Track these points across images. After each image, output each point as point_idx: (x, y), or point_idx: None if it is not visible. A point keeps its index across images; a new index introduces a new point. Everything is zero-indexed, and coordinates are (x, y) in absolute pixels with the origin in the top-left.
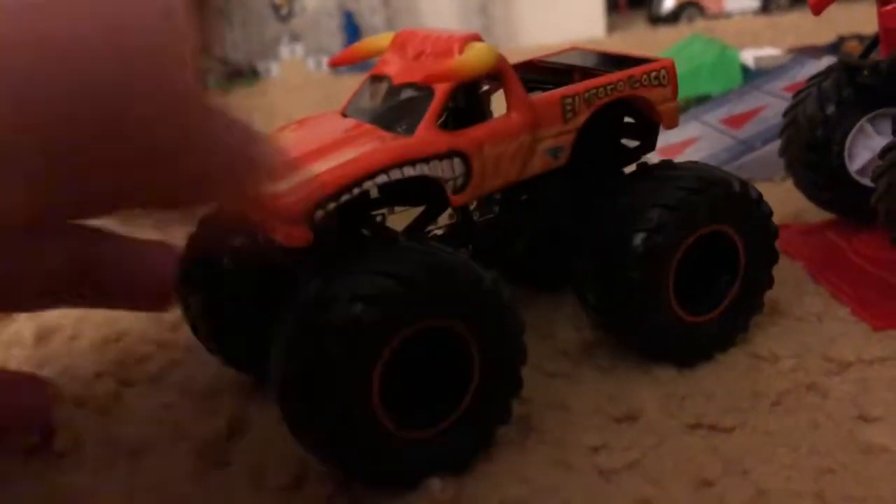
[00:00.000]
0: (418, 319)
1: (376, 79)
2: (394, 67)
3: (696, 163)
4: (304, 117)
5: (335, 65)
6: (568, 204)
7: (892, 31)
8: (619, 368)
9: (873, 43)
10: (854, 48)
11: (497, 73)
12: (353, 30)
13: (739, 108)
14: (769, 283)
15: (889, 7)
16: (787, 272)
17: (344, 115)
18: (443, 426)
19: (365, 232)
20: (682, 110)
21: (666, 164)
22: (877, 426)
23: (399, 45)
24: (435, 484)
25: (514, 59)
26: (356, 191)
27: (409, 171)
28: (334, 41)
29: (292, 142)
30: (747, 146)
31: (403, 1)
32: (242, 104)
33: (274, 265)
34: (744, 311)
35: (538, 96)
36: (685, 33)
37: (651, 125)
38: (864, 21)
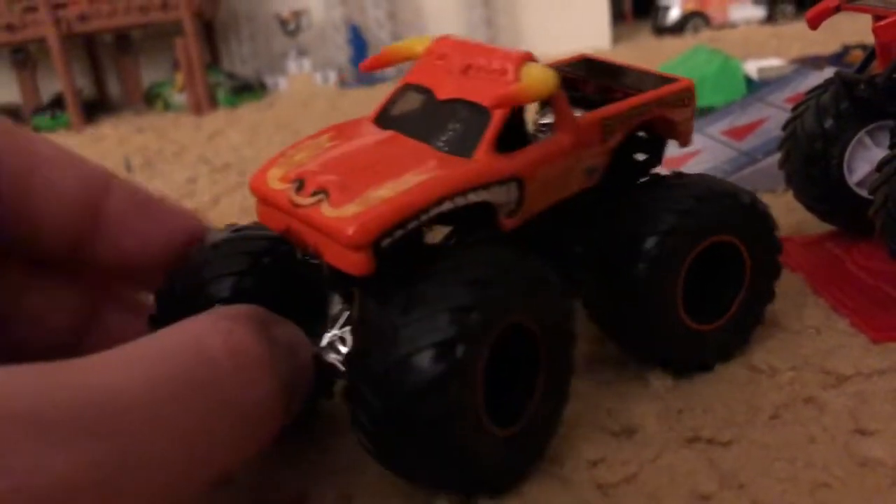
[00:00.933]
0: (511, 318)
1: (413, 88)
2: (437, 79)
3: (705, 175)
4: (337, 124)
5: (367, 70)
6: (580, 218)
7: (887, 45)
8: (618, 382)
9: (871, 56)
10: (858, 57)
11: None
12: (360, 43)
13: (742, 119)
14: (771, 296)
15: (883, 22)
16: (787, 284)
17: (376, 122)
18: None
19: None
20: None
21: (677, 175)
22: (874, 439)
23: (439, 54)
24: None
25: None
26: (423, 217)
27: (473, 198)
28: (341, 55)
29: (337, 156)
30: (749, 158)
31: (409, 14)
32: (250, 118)
33: (301, 284)
34: (745, 323)
35: (581, 117)
36: (690, 43)
37: (659, 140)
38: (870, 30)
